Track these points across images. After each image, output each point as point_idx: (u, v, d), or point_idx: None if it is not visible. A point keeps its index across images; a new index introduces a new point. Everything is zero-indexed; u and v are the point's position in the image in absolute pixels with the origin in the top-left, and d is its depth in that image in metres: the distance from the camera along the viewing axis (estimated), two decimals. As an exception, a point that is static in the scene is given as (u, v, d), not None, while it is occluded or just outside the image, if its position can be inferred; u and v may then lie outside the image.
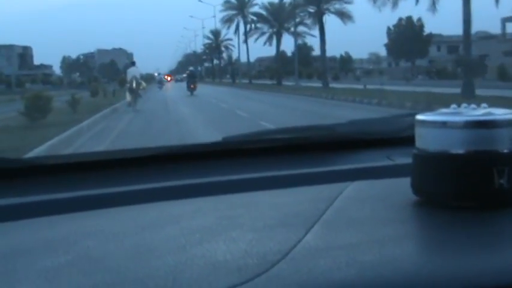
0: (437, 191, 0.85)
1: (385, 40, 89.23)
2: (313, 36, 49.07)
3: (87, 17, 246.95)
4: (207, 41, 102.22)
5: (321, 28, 39.11)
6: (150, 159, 1.37)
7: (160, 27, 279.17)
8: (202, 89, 47.67)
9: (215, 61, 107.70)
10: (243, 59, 73.01)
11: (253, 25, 62.41)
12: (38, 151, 10.33)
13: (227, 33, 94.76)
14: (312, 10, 40.00)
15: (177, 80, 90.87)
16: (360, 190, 1.01)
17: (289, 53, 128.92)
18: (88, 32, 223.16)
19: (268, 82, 67.80)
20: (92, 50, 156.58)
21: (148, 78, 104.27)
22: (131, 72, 25.02)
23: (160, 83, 58.59)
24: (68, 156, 1.65)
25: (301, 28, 50.79)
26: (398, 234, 0.78)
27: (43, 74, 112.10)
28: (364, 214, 0.86)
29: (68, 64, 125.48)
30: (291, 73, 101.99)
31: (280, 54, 69.65)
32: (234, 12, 67.27)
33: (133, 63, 27.59)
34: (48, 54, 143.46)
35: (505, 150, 0.81)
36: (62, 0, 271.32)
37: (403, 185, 0.91)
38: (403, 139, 1.04)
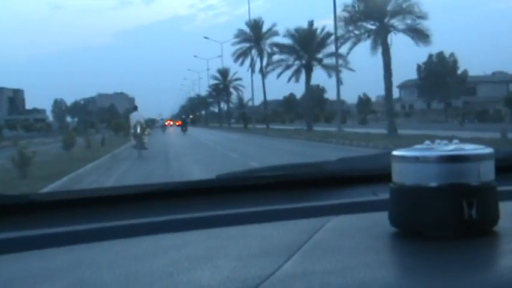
0: (412, 223, 0.90)
1: (410, 77, 79.91)
2: (351, 70, 39.29)
3: (88, 61, 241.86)
4: (213, 82, 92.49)
5: (385, 51, 28.09)
6: (145, 195, 1.45)
7: (162, 70, 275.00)
8: (207, 135, 46.96)
9: (222, 104, 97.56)
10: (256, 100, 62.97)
11: (271, 58, 52.95)
12: None
13: (236, 72, 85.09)
14: (370, 27, 28.84)
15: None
16: (342, 223, 1.08)
17: (298, 95, 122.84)
18: (89, 76, 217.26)
19: (287, 127, 57.94)
20: (93, 95, 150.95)
21: (151, 122, 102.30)
22: (135, 117, 24.05)
23: (163, 127, 70.81)
24: (66, 192, 1.62)
25: (329, 60, 41.05)
26: (373, 261, 0.83)
27: (34, 119, 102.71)
28: (343, 244, 0.92)
29: (61, 108, 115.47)
30: (301, 117, 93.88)
31: (288, 97, 59.99)
32: (248, 44, 58.15)
33: (135, 108, 26.60)
34: (45, 98, 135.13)
35: (474, 183, 0.87)
36: (63, 46, 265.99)
37: (383, 218, 0.95)
38: (389, 175, 0.96)
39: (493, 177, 0.90)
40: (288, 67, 42.37)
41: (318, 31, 42.29)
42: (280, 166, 1.81)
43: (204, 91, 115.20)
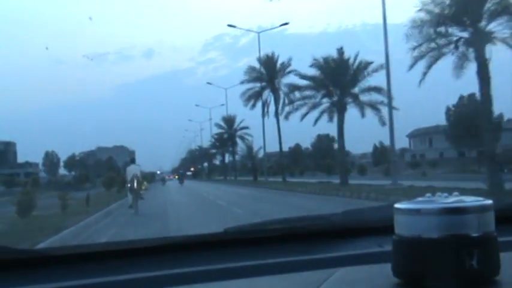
0: (415, 274, 0.93)
1: (439, 121, 72.27)
2: (395, 109, 31.50)
3: (88, 115, 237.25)
4: (217, 132, 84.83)
5: (482, 69, 18.49)
6: (155, 249, 1.48)
7: (163, 123, 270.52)
8: (210, 189, 44.36)
9: (227, 155, 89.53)
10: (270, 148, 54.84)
11: (290, 97, 45.38)
12: None
13: (243, 120, 77.32)
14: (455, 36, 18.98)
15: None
16: (348, 274, 1.12)
17: (307, 145, 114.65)
18: (89, 130, 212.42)
19: (305, 179, 50.08)
20: (93, 148, 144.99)
21: (150, 176, 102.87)
22: (131, 170, 22.62)
23: (163, 180, 76.84)
24: (75, 247, 1.66)
25: (365, 96, 33.20)
26: None
27: (25, 173, 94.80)
28: None
29: (52, 161, 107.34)
30: (308, 168, 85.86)
31: (294, 147, 52.26)
32: (259, 84, 49.95)
33: (132, 161, 25.03)
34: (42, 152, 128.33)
35: (474, 234, 0.90)
36: (63, 100, 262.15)
37: (387, 270, 0.99)
38: (394, 227, 0.99)
39: (493, 227, 0.93)
40: (314, 106, 34.21)
41: (351, 60, 34.07)
42: (287, 219, 1.80)
43: (206, 142, 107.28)
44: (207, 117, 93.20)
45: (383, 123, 32.23)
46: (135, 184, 21.86)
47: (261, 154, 68.29)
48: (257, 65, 49.88)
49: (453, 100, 66.28)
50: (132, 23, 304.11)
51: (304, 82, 35.06)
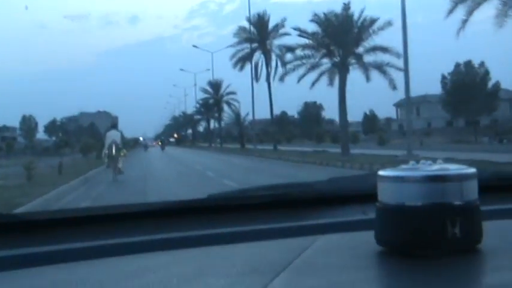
0: (397, 241, 0.92)
1: (435, 90, 69.46)
2: (399, 70, 28.21)
3: (72, 81, 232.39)
4: (202, 97, 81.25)
5: None
6: (137, 214, 1.46)
7: (147, 89, 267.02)
8: (194, 157, 41.94)
9: (213, 122, 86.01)
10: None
11: (284, 58, 42.05)
12: None
13: (230, 84, 73.83)
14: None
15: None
16: (330, 242, 1.13)
17: (292, 113, 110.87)
18: (73, 96, 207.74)
19: (297, 148, 47.14)
20: (76, 113, 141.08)
21: (134, 142, 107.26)
22: (111, 136, 21.52)
23: (146, 146, 76.97)
24: (57, 211, 1.64)
25: (369, 57, 29.95)
26: (357, 279, 0.87)
27: (1, 138, 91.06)
28: (329, 262, 0.96)
29: (30, 126, 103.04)
30: (295, 137, 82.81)
31: (280, 115, 49.31)
32: (250, 45, 46.34)
33: (114, 126, 23.68)
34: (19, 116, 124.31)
35: (457, 202, 0.89)
36: (46, 65, 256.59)
37: (370, 237, 0.98)
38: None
39: (476, 196, 0.92)
40: (313, 67, 30.84)
41: (355, 16, 30.50)
42: (272, 186, 1.80)
43: (191, 109, 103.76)
44: (192, 83, 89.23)
45: (394, 87, 29.25)
46: (113, 151, 20.95)
47: (247, 121, 65.36)
48: (247, 26, 46.30)
49: (441, 69, 63.20)
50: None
51: (300, 41, 31.54)
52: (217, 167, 28.35)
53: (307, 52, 30.82)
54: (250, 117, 60.44)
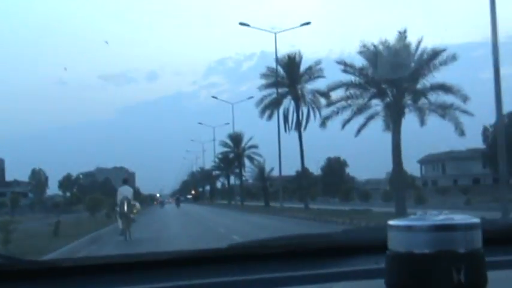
0: (406, 287, 0.98)
1: (477, 144, 64.13)
2: (466, 114, 23.07)
3: (90, 137, 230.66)
4: (221, 151, 76.30)
5: None
6: (160, 262, 1.53)
7: (165, 145, 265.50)
8: (218, 218, 36.68)
9: (232, 177, 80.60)
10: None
11: (313, 107, 37.12)
12: None
13: (252, 137, 68.95)
14: None
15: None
16: None
17: (311, 168, 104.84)
18: (90, 151, 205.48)
19: (332, 206, 41.85)
20: (92, 169, 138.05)
21: (149, 199, 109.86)
22: (122, 192, 20.61)
23: (162, 203, 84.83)
24: (84, 259, 1.75)
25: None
26: None
27: (11, 193, 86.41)
28: None
29: (40, 180, 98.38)
30: (318, 194, 77.04)
31: (301, 171, 44.37)
32: (277, 90, 40.75)
33: (125, 182, 22.12)
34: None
35: (462, 251, 0.95)
36: (65, 121, 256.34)
37: (381, 285, 1.05)
38: None
39: (480, 245, 0.98)
40: (359, 110, 25.73)
41: (413, 46, 24.81)
42: (289, 236, 1.84)
43: (209, 164, 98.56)
44: (211, 137, 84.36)
45: (461, 132, 24.15)
46: (125, 207, 19.69)
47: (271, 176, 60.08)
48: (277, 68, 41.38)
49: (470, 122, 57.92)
50: (137, 45, 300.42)
51: (336, 81, 26.64)
52: (244, 229, 23.37)
53: (351, 92, 25.72)
54: (274, 172, 55.48)
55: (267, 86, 41.32)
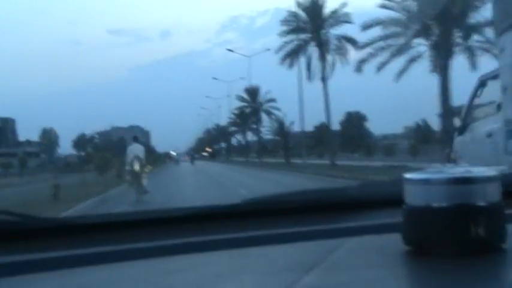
0: (423, 241, 0.98)
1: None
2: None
3: (104, 96, 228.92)
4: (237, 106, 73.05)
5: None
6: (175, 218, 1.54)
7: (179, 103, 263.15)
8: (235, 175, 35.47)
9: (249, 133, 77.51)
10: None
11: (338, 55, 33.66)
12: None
13: (269, 91, 65.63)
14: None
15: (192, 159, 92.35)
16: (360, 243, 1.19)
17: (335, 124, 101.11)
18: (105, 110, 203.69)
19: (360, 162, 38.79)
20: (108, 128, 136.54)
21: (164, 156, 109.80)
22: (132, 150, 18.99)
23: (177, 161, 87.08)
24: (95, 216, 1.72)
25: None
26: (386, 275, 0.93)
27: (23, 153, 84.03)
28: (358, 261, 1.03)
29: (50, 140, 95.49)
30: (339, 149, 73.68)
31: (320, 126, 41.11)
32: (298, 37, 37.10)
33: (135, 139, 20.31)
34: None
35: (481, 204, 0.94)
36: (80, 80, 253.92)
37: (398, 239, 1.04)
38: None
39: (499, 198, 0.96)
40: (399, 52, 22.28)
41: None
42: (304, 191, 1.81)
43: (225, 120, 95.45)
44: (226, 93, 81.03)
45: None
46: (136, 166, 18.42)
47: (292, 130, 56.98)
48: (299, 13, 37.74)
49: None
50: (149, 3, 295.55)
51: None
52: (269, 190, 20.27)
53: (391, 31, 22.13)
54: (294, 126, 52.28)
55: (288, 32, 37.44)
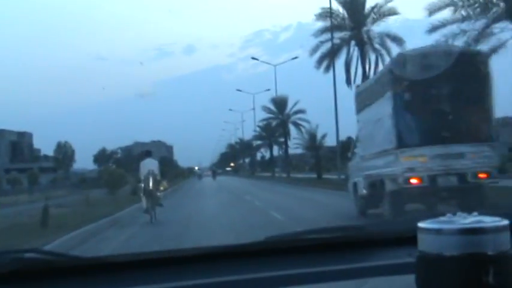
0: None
1: None
2: None
3: (128, 111, 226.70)
4: (263, 118, 68.30)
5: None
6: (198, 257, 1.59)
7: (203, 118, 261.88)
8: (266, 195, 29.15)
9: (275, 147, 72.58)
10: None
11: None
12: None
13: (298, 101, 61.17)
14: None
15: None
16: (378, 285, 1.28)
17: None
18: (128, 126, 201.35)
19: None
20: (131, 143, 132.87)
21: (188, 172, 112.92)
22: (146, 165, 17.21)
23: (200, 176, 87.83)
24: (115, 256, 1.74)
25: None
26: None
27: (39, 168, 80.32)
28: None
29: (66, 154, 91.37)
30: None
31: (346, 140, 36.50)
32: (340, 35, 32.27)
33: (148, 154, 18.80)
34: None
35: (490, 253, 0.98)
36: (104, 95, 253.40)
37: (413, 280, 1.08)
38: None
39: (508, 246, 1.00)
40: (476, 40, 17.55)
41: None
42: (323, 229, 1.85)
43: (249, 135, 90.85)
44: (250, 107, 76.57)
45: None
46: (151, 183, 16.44)
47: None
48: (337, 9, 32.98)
49: None
50: (173, 19, 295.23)
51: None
52: (311, 215, 15.83)
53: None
54: (326, 140, 47.64)
55: (324, 31, 32.64)
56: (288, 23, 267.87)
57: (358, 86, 17.07)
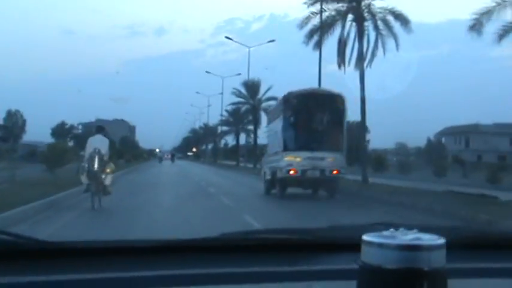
0: None
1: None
2: None
3: (93, 88, 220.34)
4: (232, 102, 63.32)
5: None
6: (152, 249, 1.61)
7: (169, 101, 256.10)
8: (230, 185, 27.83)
9: (243, 134, 67.65)
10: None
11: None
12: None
13: (271, 87, 56.36)
14: None
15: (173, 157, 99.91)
16: None
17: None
18: (94, 102, 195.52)
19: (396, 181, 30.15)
20: (93, 119, 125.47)
21: (148, 153, 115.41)
22: (94, 142, 14.81)
23: (160, 158, 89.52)
24: (79, 242, 1.71)
25: None
26: None
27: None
28: None
29: (16, 123, 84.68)
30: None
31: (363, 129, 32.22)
32: (335, 6, 26.86)
33: (99, 130, 15.71)
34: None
35: (426, 269, 1.06)
36: (71, 70, 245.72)
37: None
38: None
39: (443, 263, 1.08)
40: None
41: None
42: (278, 230, 1.91)
43: (215, 120, 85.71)
44: (218, 91, 71.24)
45: None
46: (96, 164, 14.02)
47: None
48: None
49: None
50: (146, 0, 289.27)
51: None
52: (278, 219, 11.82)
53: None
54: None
55: (314, 2, 27.42)
56: (261, 13, 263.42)
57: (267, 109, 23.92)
